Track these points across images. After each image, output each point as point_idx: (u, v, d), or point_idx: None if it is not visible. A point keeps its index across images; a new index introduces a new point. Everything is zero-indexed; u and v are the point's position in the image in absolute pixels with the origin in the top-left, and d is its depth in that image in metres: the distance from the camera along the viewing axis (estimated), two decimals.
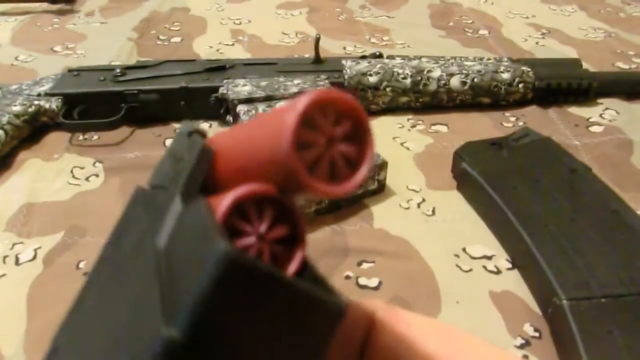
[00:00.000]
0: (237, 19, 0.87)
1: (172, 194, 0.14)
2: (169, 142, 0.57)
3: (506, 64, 0.62)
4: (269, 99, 0.54)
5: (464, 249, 0.43)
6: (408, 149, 0.55)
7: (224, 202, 0.13)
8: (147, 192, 0.16)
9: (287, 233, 0.13)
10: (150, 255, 0.13)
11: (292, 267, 0.13)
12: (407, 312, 0.15)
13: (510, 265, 0.42)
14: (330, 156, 0.13)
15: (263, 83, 0.57)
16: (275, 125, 0.12)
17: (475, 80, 0.59)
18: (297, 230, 0.13)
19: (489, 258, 0.42)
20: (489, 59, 0.63)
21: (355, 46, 0.77)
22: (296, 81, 0.57)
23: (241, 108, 0.53)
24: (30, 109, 0.56)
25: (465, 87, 0.60)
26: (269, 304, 0.12)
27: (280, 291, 0.12)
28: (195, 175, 0.14)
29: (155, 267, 0.13)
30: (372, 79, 0.59)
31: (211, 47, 0.77)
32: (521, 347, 0.36)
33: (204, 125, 0.59)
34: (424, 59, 0.62)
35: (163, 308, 0.11)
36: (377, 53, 0.63)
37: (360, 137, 0.13)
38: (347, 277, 0.41)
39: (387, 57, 0.63)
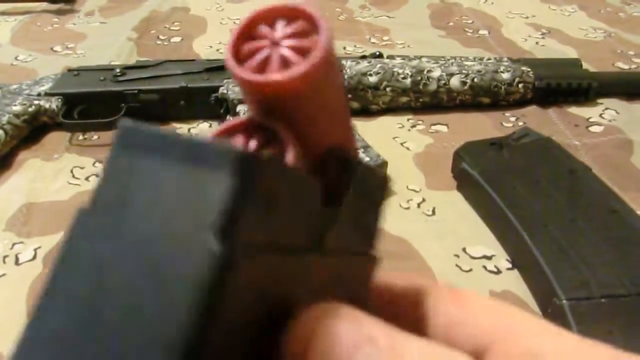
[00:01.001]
0: (237, 19, 0.87)
1: None
2: None
3: (506, 64, 0.62)
4: None
5: (464, 249, 0.43)
6: (408, 149, 0.55)
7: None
8: None
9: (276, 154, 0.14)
10: None
11: None
12: (468, 291, 0.16)
13: (510, 265, 0.42)
14: (278, 54, 0.13)
15: None
16: None
17: (475, 80, 0.59)
18: (284, 153, 0.14)
19: (489, 258, 0.42)
20: (489, 59, 0.63)
21: (355, 46, 0.77)
22: None
23: (241, 108, 0.53)
24: (30, 109, 0.56)
25: (465, 87, 0.60)
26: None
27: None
28: None
29: None
30: (372, 79, 0.59)
31: (211, 46, 0.77)
32: None
33: (204, 125, 0.59)
34: (424, 59, 0.62)
35: None
36: (377, 53, 0.63)
37: (316, 29, 0.13)
38: None
39: (387, 57, 0.63)
